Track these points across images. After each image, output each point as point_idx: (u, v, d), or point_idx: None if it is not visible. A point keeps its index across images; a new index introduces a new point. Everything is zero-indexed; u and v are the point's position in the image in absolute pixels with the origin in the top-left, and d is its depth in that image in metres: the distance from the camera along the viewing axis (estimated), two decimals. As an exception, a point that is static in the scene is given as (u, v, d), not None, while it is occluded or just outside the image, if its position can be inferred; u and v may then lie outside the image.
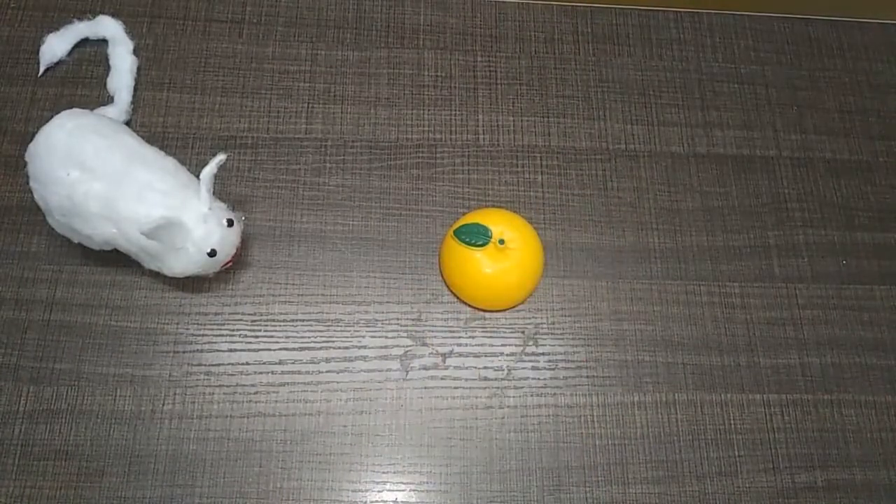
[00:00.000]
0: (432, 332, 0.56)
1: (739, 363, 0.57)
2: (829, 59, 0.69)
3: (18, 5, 0.63)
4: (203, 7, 0.65)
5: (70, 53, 0.61)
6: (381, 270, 0.58)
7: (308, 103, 0.62)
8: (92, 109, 0.53)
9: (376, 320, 0.56)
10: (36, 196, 0.49)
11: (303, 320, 0.56)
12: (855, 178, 0.64)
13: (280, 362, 0.55)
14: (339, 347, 0.55)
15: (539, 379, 0.56)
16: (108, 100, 0.59)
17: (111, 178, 0.47)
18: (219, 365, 0.54)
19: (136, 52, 0.61)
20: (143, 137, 0.52)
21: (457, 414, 0.54)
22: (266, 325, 0.55)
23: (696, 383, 0.57)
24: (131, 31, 0.61)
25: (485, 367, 0.56)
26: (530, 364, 0.56)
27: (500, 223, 0.55)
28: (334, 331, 0.56)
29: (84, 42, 0.62)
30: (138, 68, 0.61)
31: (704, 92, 0.66)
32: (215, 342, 0.55)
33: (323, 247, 0.58)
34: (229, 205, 0.52)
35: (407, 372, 0.55)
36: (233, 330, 0.55)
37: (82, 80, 0.61)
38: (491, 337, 0.57)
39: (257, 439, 0.52)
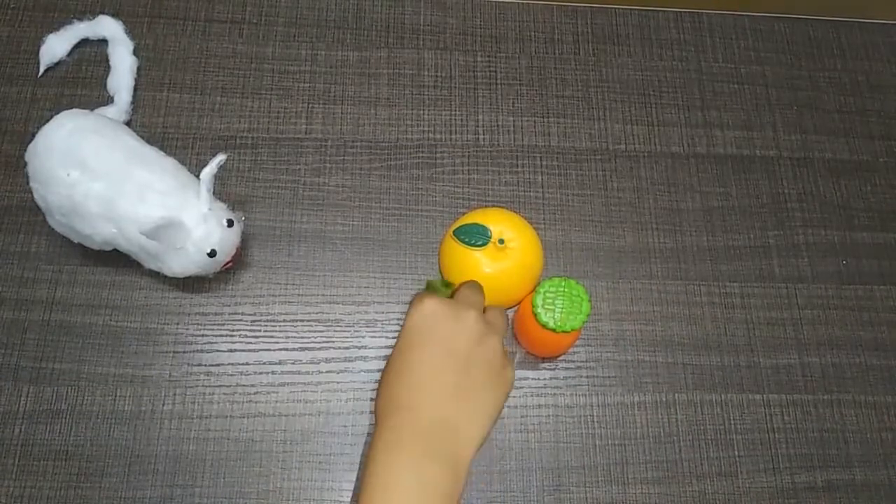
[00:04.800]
0: (432, 332, 0.56)
1: (739, 363, 0.57)
2: (829, 59, 0.69)
3: (18, 5, 0.63)
4: (203, 7, 0.65)
5: (70, 53, 0.61)
6: (381, 270, 0.58)
7: (308, 103, 0.62)
8: (92, 109, 0.53)
9: (376, 320, 0.56)
10: (36, 196, 0.49)
11: (303, 320, 0.56)
12: (855, 178, 0.64)
13: (280, 362, 0.55)
14: (339, 347, 0.55)
15: (539, 379, 0.56)
16: (108, 100, 0.59)
17: (111, 179, 0.47)
18: (219, 365, 0.54)
19: (136, 52, 0.61)
20: (143, 137, 0.52)
21: (457, 414, 0.54)
22: (266, 326, 0.55)
23: (696, 383, 0.57)
24: (131, 31, 0.61)
25: (485, 367, 0.55)
26: (530, 364, 0.56)
27: (500, 223, 0.55)
28: (334, 331, 0.56)
29: (84, 42, 0.62)
30: (138, 68, 0.61)
31: (704, 92, 0.66)
32: (215, 342, 0.55)
33: (323, 247, 0.58)
34: (229, 205, 0.52)
35: (407, 372, 0.55)
36: (233, 330, 0.55)
37: (82, 80, 0.61)
38: (491, 337, 0.56)
39: (257, 439, 0.52)
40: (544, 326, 0.48)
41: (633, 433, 0.55)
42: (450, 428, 0.40)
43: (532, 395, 0.55)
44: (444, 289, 0.54)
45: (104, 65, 0.61)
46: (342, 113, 0.62)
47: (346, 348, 0.55)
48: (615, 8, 0.68)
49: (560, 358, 0.56)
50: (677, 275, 0.60)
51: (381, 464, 0.39)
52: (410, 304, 0.44)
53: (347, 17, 0.66)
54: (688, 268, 0.60)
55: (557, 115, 0.64)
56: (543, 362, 0.56)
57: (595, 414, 0.55)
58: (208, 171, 0.48)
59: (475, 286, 0.48)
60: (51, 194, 0.48)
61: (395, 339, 0.55)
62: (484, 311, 0.45)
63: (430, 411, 0.41)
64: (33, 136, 0.49)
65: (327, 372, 0.55)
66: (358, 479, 0.52)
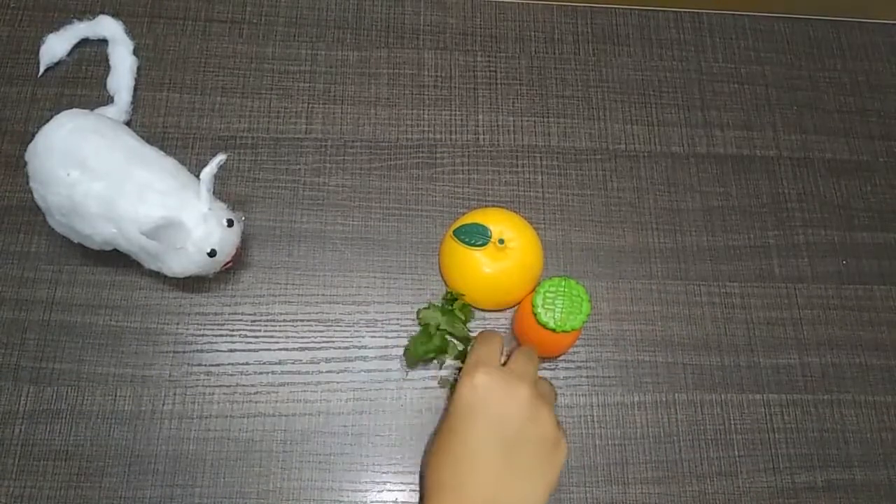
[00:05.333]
0: (432, 332, 0.56)
1: (739, 363, 0.57)
2: (829, 59, 0.69)
3: (18, 5, 0.63)
4: (203, 7, 0.65)
5: (70, 53, 0.61)
6: (381, 270, 0.58)
7: (308, 103, 0.62)
8: (92, 109, 0.53)
9: (376, 320, 0.56)
10: (36, 196, 0.49)
11: (303, 320, 0.56)
12: (855, 178, 0.64)
13: (280, 362, 0.55)
14: (339, 347, 0.55)
15: (539, 379, 0.56)
16: (108, 100, 0.59)
17: (111, 178, 0.47)
18: (219, 365, 0.54)
19: (136, 52, 0.61)
20: (143, 137, 0.52)
21: (457, 414, 0.54)
22: (266, 325, 0.55)
23: (696, 383, 0.57)
24: (131, 31, 0.61)
25: (485, 367, 0.55)
26: (530, 364, 0.56)
27: (500, 223, 0.55)
28: (334, 331, 0.56)
29: (84, 42, 0.62)
30: (138, 68, 0.61)
31: (704, 92, 0.66)
32: (215, 342, 0.55)
33: (323, 247, 0.58)
34: (229, 205, 0.52)
35: (407, 372, 0.55)
36: (233, 330, 0.55)
37: (82, 80, 0.61)
38: (491, 337, 0.56)
39: (257, 439, 0.52)
40: (544, 326, 0.48)
41: (633, 433, 0.55)
42: None
43: (532, 395, 0.55)
44: (448, 307, 0.54)
45: (104, 65, 0.61)
46: (342, 113, 0.62)
47: (346, 348, 0.55)
48: (615, 8, 0.68)
49: (560, 358, 0.56)
50: (677, 275, 0.60)
51: None
52: (461, 375, 0.43)
53: (347, 17, 0.66)
54: (688, 268, 0.60)
55: (557, 115, 0.64)
56: (543, 362, 0.56)
57: (595, 414, 0.55)
58: (208, 171, 0.48)
59: (530, 354, 0.46)
60: (51, 194, 0.48)
61: (395, 339, 0.56)
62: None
63: (478, 494, 0.39)
64: (33, 136, 0.49)
65: (327, 372, 0.55)
66: (362, 482, 0.52)
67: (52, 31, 0.61)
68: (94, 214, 0.48)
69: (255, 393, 0.54)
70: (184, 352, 0.54)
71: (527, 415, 0.41)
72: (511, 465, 0.40)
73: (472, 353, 0.46)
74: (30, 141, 0.49)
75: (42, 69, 0.60)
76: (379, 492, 0.52)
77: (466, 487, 0.40)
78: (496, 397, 0.41)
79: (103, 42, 0.61)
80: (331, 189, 0.60)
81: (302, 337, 0.55)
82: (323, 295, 0.57)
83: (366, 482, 0.52)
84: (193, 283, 0.56)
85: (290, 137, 0.61)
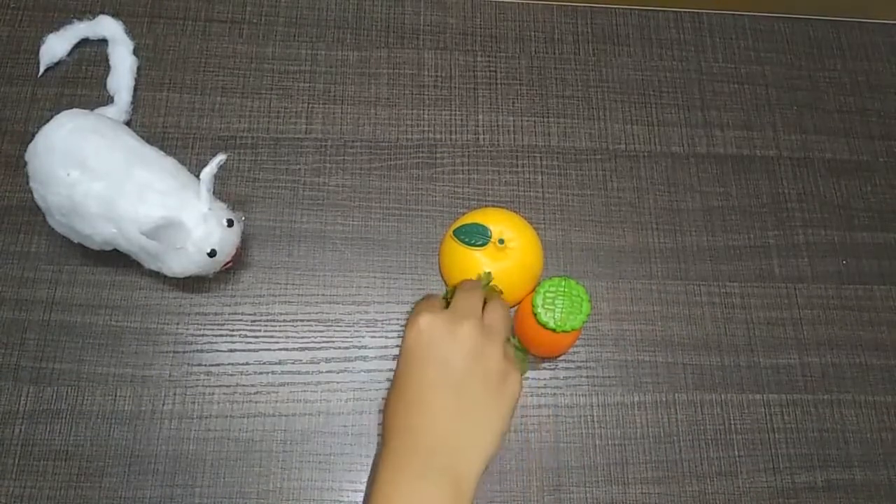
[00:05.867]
0: (432, 332, 0.56)
1: (739, 363, 0.57)
2: (829, 59, 0.69)
3: (18, 5, 0.63)
4: (203, 7, 0.65)
5: (70, 53, 0.61)
6: (381, 270, 0.58)
7: (308, 103, 0.62)
8: (92, 109, 0.53)
9: (376, 320, 0.56)
10: (36, 196, 0.49)
11: (303, 320, 0.56)
12: (855, 178, 0.64)
13: (280, 362, 0.55)
14: (339, 347, 0.55)
15: (539, 379, 0.56)
16: (108, 100, 0.59)
17: (111, 178, 0.47)
18: (219, 365, 0.54)
19: (136, 52, 0.61)
20: (143, 137, 0.52)
21: (457, 414, 0.54)
22: (266, 325, 0.55)
23: (696, 383, 0.57)
24: (131, 31, 0.61)
25: (485, 367, 0.55)
26: (530, 364, 0.56)
27: (500, 223, 0.55)
28: (334, 331, 0.56)
29: (84, 42, 0.62)
30: (138, 68, 0.61)
31: (704, 92, 0.66)
32: (215, 342, 0.55)
33: (323, 247, 0.58)
34: (229, 205, 0.52)
35: (407, 372, 0.55)
36: (233, 330, 0.55)
37: (82, 80, 0.61)
38: (491, 337, 0.56)
39: (257, 439, 0.52)
40: (544, 326, 0.48)
41: (633, 433, 0.55)
42: (450, 448, 0.40)
43: (532, 395, 0.55)
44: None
45: (104, 65, 0.61)
46: (342, 113, 0.62)
47: (346, 348, 0.55)
48: (615, 8, 0.68)
49: (560, 358, 0.56)
50: (677, 275, 0.60)
51: (381, 491, 0.40)
52: (407, 322, 0.44)
53: (347, 17, 0.66)
54: (688, 268, 0.60)
55: (557, 115, 0.64)
56: (543, 362, 0.56)
57: (595, 414, 0.55)
58: (208, 171, 0.48)
59: (471, 288, 0.47)
60: (51, 194, 0.48)
61: (395, 339, 0.56)
62: (484, 306, 0.45)
63: (429, 432, 0.41)
64: (33, 136, 0.49)
65: (327, 372, 0.55)
66: (362, 482, 0.52)
67: (52, 31, 0.61)
68: (94, 214, 0.48)
69: (255, 393, 0.54)
70: (184, 352, 0.54)
71: (471, 353, 0.42)
72: (460, 405, 0.41)
73: (416, 306, 0.46)
74: (30, 141, 0.49)
75: (42, 69, 0.60)
76: (379, 492, 0.52)
77: (418, 431, 0.41)
78: (440, 338, 0.42)
79: (103, 42, 0.61)
80: (331, 189, 0.60)
81: (302, 337, 0.55)
82: (323, 295, 0.57)
83: (365, 482, 0.52)
84: (193, 283, 0.56)
85: (290, 137, 0.61)
